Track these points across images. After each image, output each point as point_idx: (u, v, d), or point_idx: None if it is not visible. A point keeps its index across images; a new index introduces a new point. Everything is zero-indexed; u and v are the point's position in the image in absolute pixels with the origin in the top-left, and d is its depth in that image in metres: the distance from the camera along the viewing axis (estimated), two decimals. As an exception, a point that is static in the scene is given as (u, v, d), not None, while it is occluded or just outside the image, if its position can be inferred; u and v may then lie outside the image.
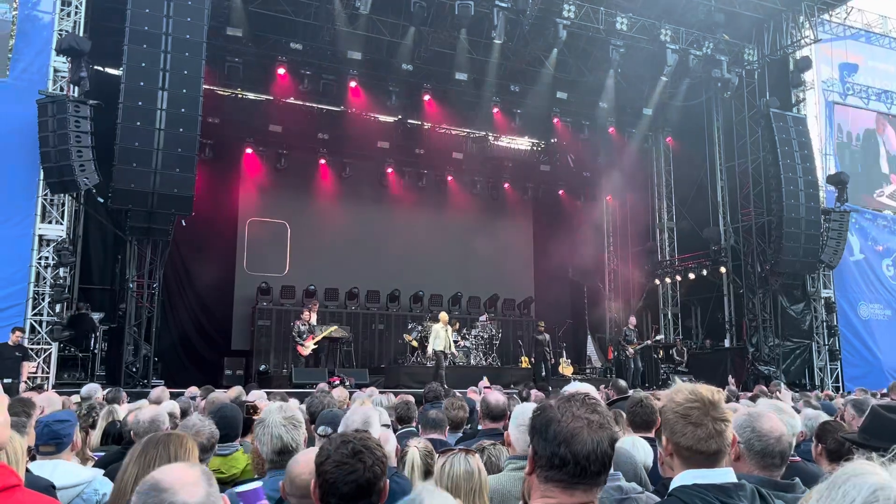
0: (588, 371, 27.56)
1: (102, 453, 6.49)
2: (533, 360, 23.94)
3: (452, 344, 20.02)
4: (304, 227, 26.20)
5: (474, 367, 21.97)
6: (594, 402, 2.62)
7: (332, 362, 20.82)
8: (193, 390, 12.26)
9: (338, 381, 15.77)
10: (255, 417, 6.05)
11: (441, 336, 19.51)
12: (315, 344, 19.55)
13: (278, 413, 4.51)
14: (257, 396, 9.45)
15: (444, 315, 20.22)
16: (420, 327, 23.16)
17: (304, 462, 3.53)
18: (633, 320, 24.06)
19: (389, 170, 27.66)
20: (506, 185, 29.30)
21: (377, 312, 25.99)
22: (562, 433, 2.51)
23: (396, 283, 26.56)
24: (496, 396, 6.25)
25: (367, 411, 4.73)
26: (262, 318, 24.30)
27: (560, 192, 30.32)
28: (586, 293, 30.41)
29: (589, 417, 2.55)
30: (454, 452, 4.08)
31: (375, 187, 27.49)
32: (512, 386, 18.14)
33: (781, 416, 3.94)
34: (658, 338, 25.21)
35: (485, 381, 15.32)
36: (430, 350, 19.69)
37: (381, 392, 11.28)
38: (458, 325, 22.90)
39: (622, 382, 10.17)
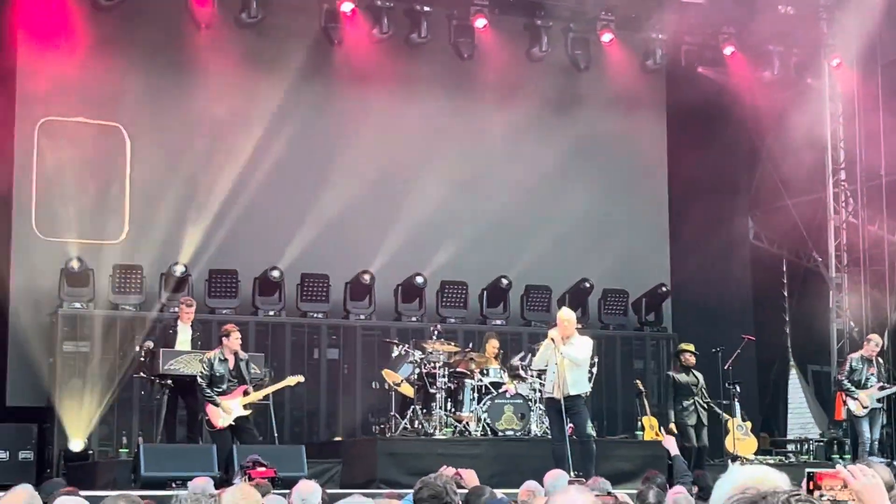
0: (795, 446, 19.65)
1: None
2: (672, 423, 16.93)
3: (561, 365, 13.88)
4: (159, 137, 18.48)
5: (536, 440, 16.20)
6: None
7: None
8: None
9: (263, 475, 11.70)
10: None
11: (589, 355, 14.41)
12: (248, 407, 14.35)
13: None
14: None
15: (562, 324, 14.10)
16: (419, 354, 16.54)
17: None
18: (872, 343, 16.98)
19: (347, 5, 18.52)
20: (605, 37, 20.63)
21: (323, 324, 18.80)
22: None
23: (362, 258, 18.85)
24: (577, 500, 4.50)
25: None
26: (71, 338, 17.28)
27: (727, 49, 20.88)
28: (786, 276, 21.75)
29: None
30: None
31: (315, 46, 19.20)
32: (620, 480, 12.98)
33: None
34: None
35: (556, 474, 10.44)
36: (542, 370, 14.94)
37: (328, 494, 8.49)
38: (498, 349, 16.58)
39: (881, 466, 7.26)
